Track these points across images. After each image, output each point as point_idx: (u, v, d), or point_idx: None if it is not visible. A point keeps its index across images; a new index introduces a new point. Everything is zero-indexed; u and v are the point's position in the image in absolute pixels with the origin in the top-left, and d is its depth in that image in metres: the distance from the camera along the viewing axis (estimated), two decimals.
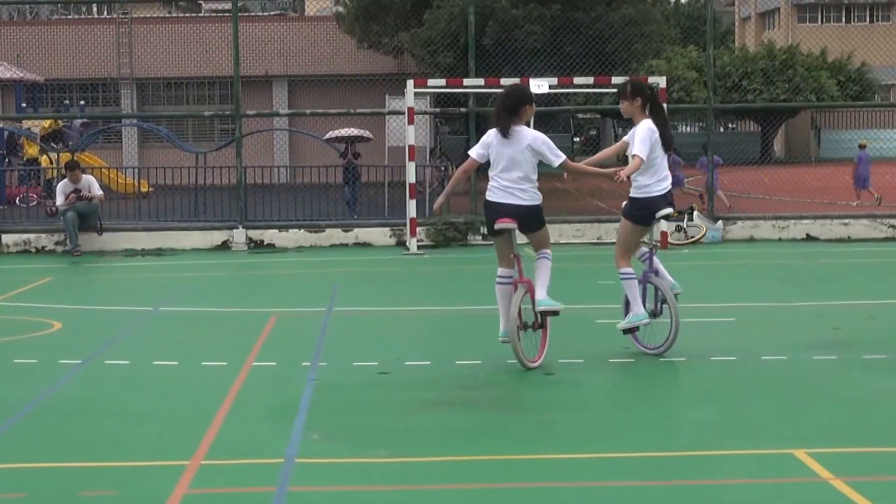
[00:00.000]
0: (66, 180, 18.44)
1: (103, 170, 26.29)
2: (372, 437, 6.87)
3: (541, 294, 8.78)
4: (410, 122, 17.94)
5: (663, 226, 17.97)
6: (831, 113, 50.19)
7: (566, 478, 6.05)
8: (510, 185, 8.63)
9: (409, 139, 17.88)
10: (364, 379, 8.58)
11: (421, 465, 6.32)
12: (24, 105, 30.45)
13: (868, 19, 57.91)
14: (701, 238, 18.35)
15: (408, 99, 18.16)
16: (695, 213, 18.66)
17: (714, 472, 6.14)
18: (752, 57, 46.11)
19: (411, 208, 17.74)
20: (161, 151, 32.27)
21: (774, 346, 9.55)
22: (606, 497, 5.76)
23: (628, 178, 8.80)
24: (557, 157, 8.64)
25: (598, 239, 18.62)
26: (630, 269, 9.06)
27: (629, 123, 9.31)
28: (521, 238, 8.91)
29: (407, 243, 17.79)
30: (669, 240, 17.97)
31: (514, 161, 8.61)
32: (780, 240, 18.73)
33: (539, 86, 17.74)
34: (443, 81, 19.50)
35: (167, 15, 50.16)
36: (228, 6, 35.87)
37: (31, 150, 27.90)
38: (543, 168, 8.85)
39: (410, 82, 18.20)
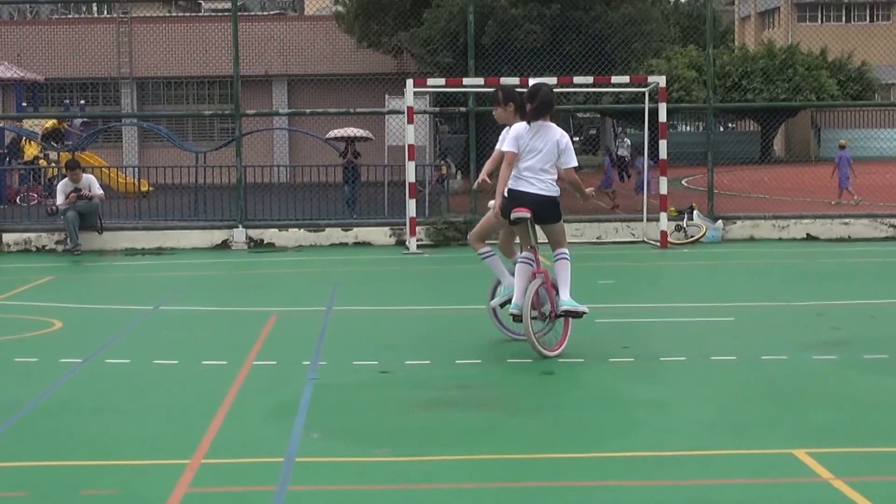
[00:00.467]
0: (66, 179, 18.46)
1: (103, 169, 26.30)
2: (372, 437, 6.87)
3: (564, 295, 9.22)
4: (410, 121, 17.94)
5: (663, 225, 17.99)
6: (831, 112, 50.20)
7: (566, 478, 6.05)
8: (531, 176, 9.16)
9: (409, 138, 17.88)
10: (364, 378, 8.58)
11: (420, 464, 6.32)
12: (24, 104, 30.47)
13: (868, 18, 57.92)
14: (701, 237, 18.34)
15: (407, 98, 18.16)
16: (695, 212, 18.65)
17: (714, 472, 6.13)
18: (751, 56, 46.12)
19: (411, 208, 17.74)
20: (161, 151, 32.29)
21: (774, 345, 9.55)
22: (606, 497, 5.77)
23: (490, 176, 9.34)
24: (573, 161, 9.28)
25: (597, 238, 18.62)
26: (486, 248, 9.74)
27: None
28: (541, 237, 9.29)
29: (407, 243, 17.79)
30: (669, 239, 17.97)
31: (540, 153, 9.14)
32: (780, 239, 18.72)
33: None
34: (442, 81, 19.49)
35: (167, 14, 50.18)
36: (228, 5, 35.84)
37: (31, 150, 27.92)
38: None
39: (410, 82, 18.20)
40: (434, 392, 8.04)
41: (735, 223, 19.00)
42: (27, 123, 28.76)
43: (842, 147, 26.51)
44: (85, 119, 29.57)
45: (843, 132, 45.92)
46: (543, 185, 9.15)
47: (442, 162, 27.07)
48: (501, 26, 27.06)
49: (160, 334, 10.76)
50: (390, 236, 18.67)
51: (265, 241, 18.76)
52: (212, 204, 20.62)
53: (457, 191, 26.02)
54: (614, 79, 19.68)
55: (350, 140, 24.02)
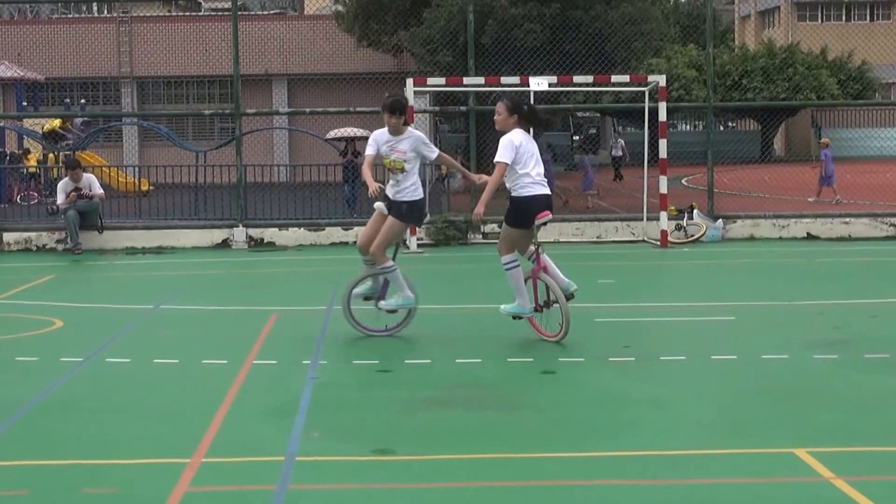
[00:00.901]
0: (67, 179, 18.47)
1: (104, 168, 26.31)
2: (372, 436, 6.87)
3: (565, 279, 9.69)
4: (410, 120, 17.89)
5: (663, 224, 18.00)
6: (831, 111, 50.21)
7: (566, 477, 6.05)
8: (540, 180, 9.62)
9: None
10: (364, 377, 8.59)
11: (421, 463, 6.32)
12: (24, 104, 30.50)
13: (868, 17, 57.93)
14: (701, 236, 18.34)
15: (407, 97, 18.14)
16: (695, 211, 18.65)
17: (714, 472, 6.13)
18: (752, 55, 46.14)
19: None
20: (161, 150, 32.30)
21: (775, 345, 9.54)
22: (607, 497, 5.77)
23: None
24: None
25: (597, 238, 18.63)
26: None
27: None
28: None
29: (407, 242, 17.79)
30: (669, 238, 17.97)
31: (537, 157, 9.64)
32: (780, 238, 18.72)
33: (539, 83, 17.75)
34: (442, 80, 19.49)
35: (167, 14, 50.19)
36: (228, 5, 35.82)
37: (32, 161, 27.98)
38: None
39: (410, 81, 18.20)
40: (434, 391, 8.04)
41: (735, 222, 19.00)
42: (27, 123, 28.79)
43: (826, 146, 26.84)
44: (85, 118, 29.57)
45: (844, 131, 46.00)
46: (546, 187, 9.72)
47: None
48: (501, 25, 27.07)
49: (160, 333, 10.76)
50: None
51: (265, 241, 18.76)
52: (212, 203, 20.62)
53: (457, 190, 26.04)
54: (614, 78, 19.68)
55: (350, 139, 24.02)
